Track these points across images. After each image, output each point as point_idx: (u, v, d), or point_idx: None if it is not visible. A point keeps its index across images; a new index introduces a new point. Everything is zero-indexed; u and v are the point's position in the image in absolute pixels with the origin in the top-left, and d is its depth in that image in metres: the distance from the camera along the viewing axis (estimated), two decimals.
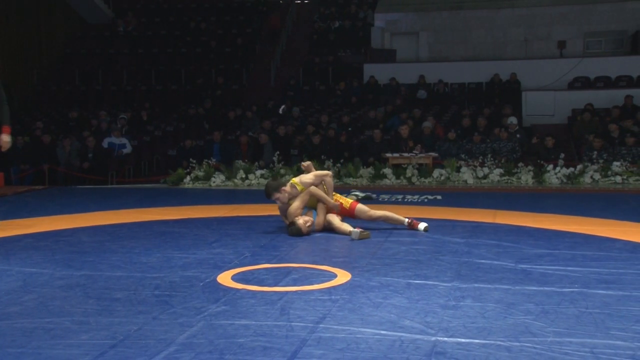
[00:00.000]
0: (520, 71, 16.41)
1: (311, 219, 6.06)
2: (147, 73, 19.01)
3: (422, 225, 6.18)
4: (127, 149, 13.90)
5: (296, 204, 6.08)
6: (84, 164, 13.10)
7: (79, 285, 4.06)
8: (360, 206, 6.36)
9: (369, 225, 6.31)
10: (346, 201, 6.41)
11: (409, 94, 16.62)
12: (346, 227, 5.99)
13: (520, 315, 3.38)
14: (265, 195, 6.14)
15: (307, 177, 6.20)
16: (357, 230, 5.76)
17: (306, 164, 6.57)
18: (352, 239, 5.70)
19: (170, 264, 4.69)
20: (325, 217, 6.16)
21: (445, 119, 15.06)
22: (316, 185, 6.20)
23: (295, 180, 6.23)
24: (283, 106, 16.08)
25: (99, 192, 10.63)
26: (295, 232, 5.90)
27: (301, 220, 5.95)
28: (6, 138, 5.72)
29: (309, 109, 16.72)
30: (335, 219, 6.13)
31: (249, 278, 4.23)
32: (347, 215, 6.36)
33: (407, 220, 6.23)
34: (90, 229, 6.42)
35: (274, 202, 6.24)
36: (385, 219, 6.26)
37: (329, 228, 6.11)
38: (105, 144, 13.85)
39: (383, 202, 8.66)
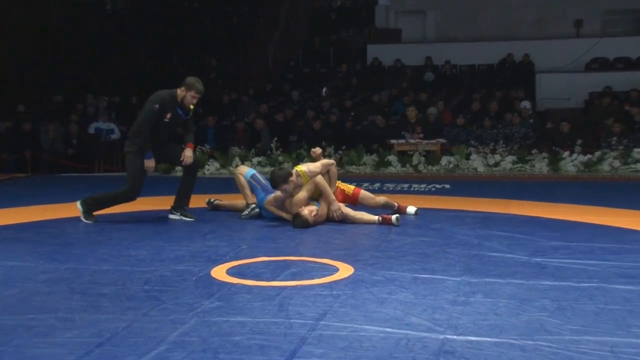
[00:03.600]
0: (533, 52, 16.33)
1: (316, 208, 6.06)
2: (137, 55, 18.94)
3: (411, 209, 6.61)
4: (116, 135, 13.87)
5: (302, 194, 6.12)
6: (68, 150, 13.08)
7: (64, 280, 4.04)
8: (365, 192, 6.61)
9: (374, 212, 6.30)
10: (348, 187, 6.60)
11: (415, 77, 16.57)
12: (369, 216, 6.12)
13: (534, 311, 3.36)
14: (272, 185, 6.16)
15: (315, 167, 6.26)
16: (397, 215, 6.01)
17: (318, 151, 6.62)
18: (397, 225, 5.91)
19: (161, 257, 4.68)
20: (328, 209, 6.18)
21: (453, 103, 15.01)
22: (322, 175, 6.26)
23: (302, 169, 6.25)
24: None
25: (85, 180, 10.61)
26: (302, 223, 5.90)
27: (306, 211, 5.97)
28: (189, 153, 6.34)
29: (309, 92, 16.68)
30: (351, 211, 6.20)
31: (245, 272, 4.21)
32: (349, 202, 6.52)
33: (396, 205, 6.62)
34: (75, 220, 6.39)
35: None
36: (386, 206, 6.59)
37: (347, 221, 6.16)
38: (91, 129, 13.83)
39: (388, 192, 8.63)
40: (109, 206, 6.40)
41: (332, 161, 6.47)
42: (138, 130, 6.19)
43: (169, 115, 6.23)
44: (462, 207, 7.08)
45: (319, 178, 6.17)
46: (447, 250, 4.84)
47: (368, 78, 16.82)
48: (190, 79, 6.28)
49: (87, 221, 6.28)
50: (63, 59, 18.92)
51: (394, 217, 6.01)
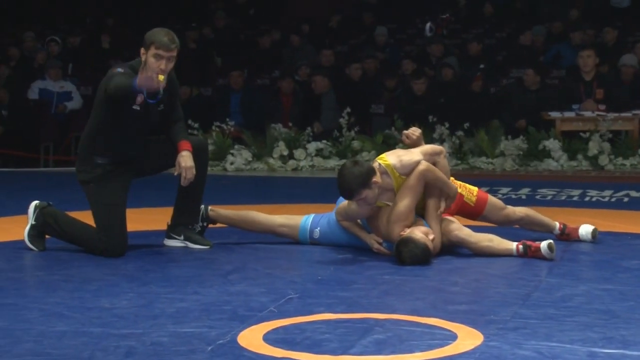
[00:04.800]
0: None
1: (427, 228, 6.10)
2: None
3: (585, 230, 6.65)
4: (75, 103, 14.08)
5: (405, 203, 6.08)
6: None
7: None
8: (494, 199, 6.67)
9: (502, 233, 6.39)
10: (469, 191, 6.59)
11: (596, 0, 16.38)
12: (501, 243, 6.17)
13: None
14: (344, 194, 6.11)
15: (409, 158, 6.18)
16: (549, 242, 6.00)
17: (416, 133, 6.58)
18: (550, 259, 5.93)
19: (152, 312, 4.76)
20: (447, 227, 6.22)
21: None
22: None
23: (389, 160, 6.19)
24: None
25: (24, 178, 10.83)
26: (421, 254, 5.90)
27: (418, 232, 5.96)
28: (186, 162, 6.37)
29: (406, 29, 16.67)
30: (471, 233, 6.25)
31: (296, 338, 4.25)
32: (470, 214, 6.59)
33: (558, 225, 6.67)
34: (8, 247, 6.57)
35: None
36: (528, 222, 6.69)
37: (465, 247, 6.25)
38: (34, 92, 14.03)
39: (544, 203, 8.59)
40: (73, 243, 6.53)
41: (440, 148, 6.46)
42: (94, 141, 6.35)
43: (140, 99, 6.28)
44: None
45: (427, 166, 6.08)
46: None
47: (511, 3, 16.72)
48: (149, 32, 6.30)
49: (33, 247, 6.44)
50: None
51: (543, 244, 6.00)
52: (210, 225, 6.84)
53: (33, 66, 15.11)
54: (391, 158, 6.20)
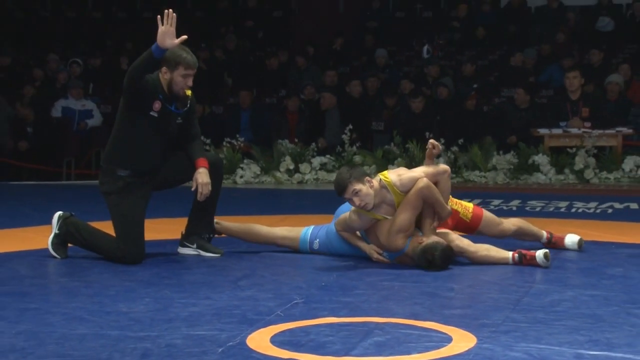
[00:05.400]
0: None
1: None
2: None
3: (571, 239, 6.66)
4: (95, 120, 14.11)
5: (406, 216, 6.04)
6: (20, 143, 13.34)
7: (15, 351, 4.13)
8: (489, 215, 6.61)
9: (495, 242, 6.40)
10: (464, 207, 6.55)
11: (582, 24, 16.37)
12: (498, 252, 6.15)
13: None
14: (337, 190, 6.06)
15: (411, 175, 6.12)
16: (544, 251, 5.98)
17: (439, 148, 6.45)
18: (544, 267, 5.93)
19: (167, 315, 4.75)
20: (446, 238, 6.17)
21: None
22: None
23: (389, 177, 6.14)
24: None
25: (47, 191, 10.80)
26: (452, 254, 5.97)
27: (437, 237, 6.00)
28: (203, 178, 6.41)
29: (404, 51, 16.66)
30: (470, 243, 6.21)
31: (301, 340, 4.24)
32: (465, 229, 6.55)
33: (546, 234, 6.73)
34: (33, 255, 6.58)
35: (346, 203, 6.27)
36: (520, 233, 6.69)
37: (464, 257, 6.22)
38: (57, 110, 14.07)
39: (533, 214, 8.57)
40: (93, 251, 6.54)
41: (444, 167, 6.28)
42: (115, 146, 6.39)
43: (157, 106, 6.33)
44: None
45: (424, 186, 6.00)
46: (633, 312, 4.77)
47: (503, 27, 16.71)
48: (170, 52, 6.24)
49: (56, 255, 6.45)
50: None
51: (539, 253, 5.98)
52: (215, 236, 6.84)
53: (56, 86, 15.20)
54: (392, 176, 6.15)
